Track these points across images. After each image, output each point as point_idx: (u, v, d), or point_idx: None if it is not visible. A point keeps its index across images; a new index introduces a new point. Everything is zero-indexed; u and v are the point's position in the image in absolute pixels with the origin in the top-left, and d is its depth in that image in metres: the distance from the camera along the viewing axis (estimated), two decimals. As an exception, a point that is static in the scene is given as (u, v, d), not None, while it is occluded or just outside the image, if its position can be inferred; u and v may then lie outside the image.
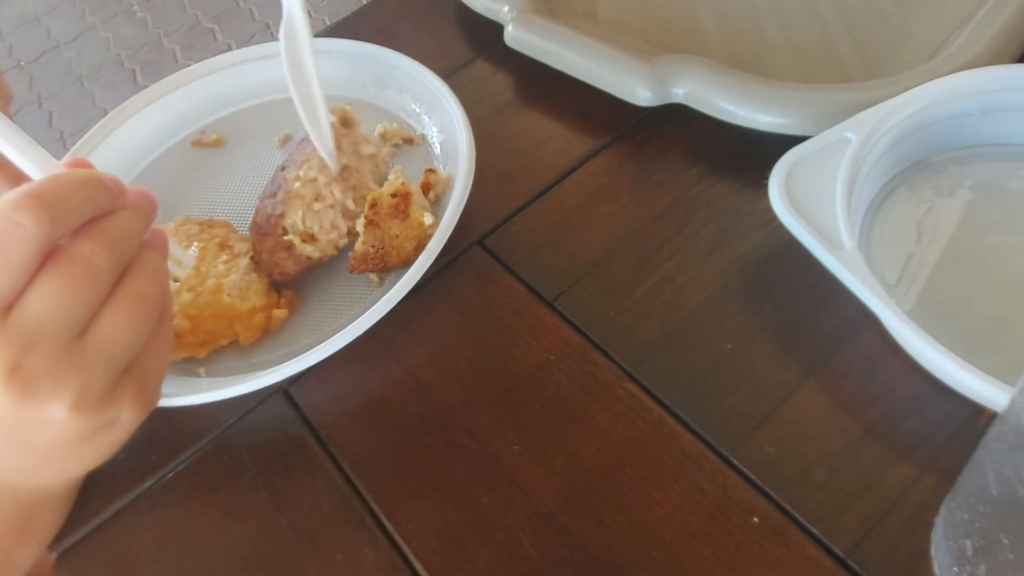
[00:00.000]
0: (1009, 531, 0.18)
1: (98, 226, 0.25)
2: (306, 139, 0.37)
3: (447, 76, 0.41)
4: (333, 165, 0.36)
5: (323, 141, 0.36)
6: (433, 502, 0.30)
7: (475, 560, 0.28)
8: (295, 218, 0.35)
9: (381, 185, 0.36)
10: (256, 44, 0.46)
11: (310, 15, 0.38)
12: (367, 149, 0.39)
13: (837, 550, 0.26)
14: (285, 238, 0.35)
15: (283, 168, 0.37)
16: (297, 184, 0.35)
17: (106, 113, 0.44)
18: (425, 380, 0.33)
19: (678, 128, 0.39)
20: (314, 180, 0.35)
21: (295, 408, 0.33)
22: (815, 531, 0.27)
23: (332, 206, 0.36)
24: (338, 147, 0.37)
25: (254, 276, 0.36)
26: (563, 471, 0.29)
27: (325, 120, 0.36)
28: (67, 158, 0.33)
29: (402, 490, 0.30)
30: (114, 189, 0.27)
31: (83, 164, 0.29)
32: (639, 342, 0.32)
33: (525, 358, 0.33)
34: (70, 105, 1.81)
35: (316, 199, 0.35)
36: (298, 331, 0.35)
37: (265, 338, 0.35)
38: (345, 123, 0.38)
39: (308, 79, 0.36)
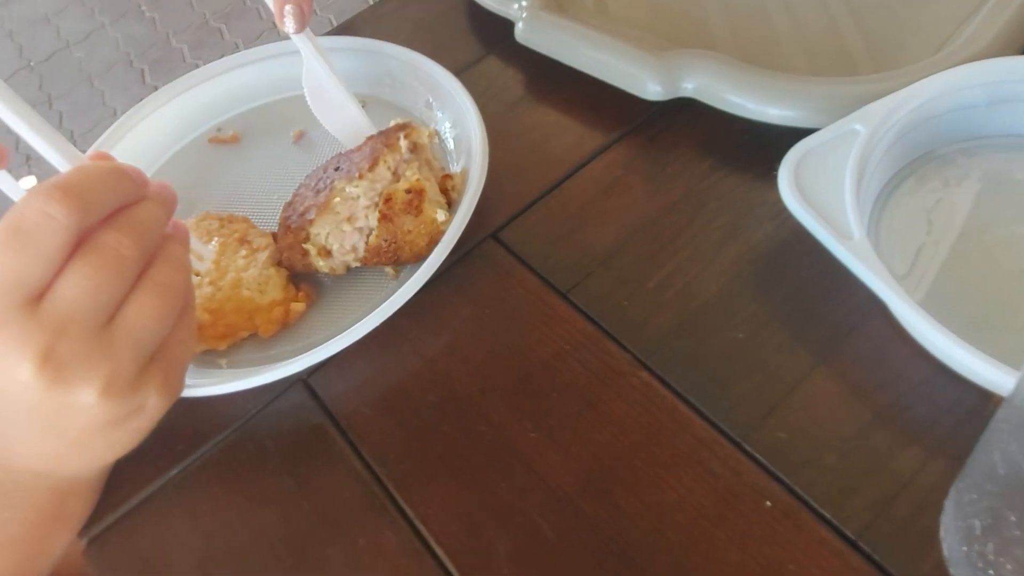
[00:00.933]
0: (1015, 508, 0.19)
1: (124, 216, 0.26)
2: (371, 144, 0.37)
3: (459, 72, 0.42)
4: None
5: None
6: (452, 488, 0.30)
7: (494, 544, 0.29)
8: (321, 231, 0.36)
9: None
10: (263, 43, 0.47)
11: (316, 12, 0.39)
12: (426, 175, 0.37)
13: (848, 532, 0.27)
14: (304, 245, 0.36)
15: (337, 168, 0.37)
16: (337, 200, 0.36)
17: (116, 113, 0.45)
18: (442, 370, 0.34)
19: (689, 121, 0.40)
20: (356, 199, 0.36)
21: (315, 398, 0.34)
22: (826, 514, 0.27)
23: (360, 230, 0.36)
24: (397, 174, 0.36)
25: (273, 270, 0.37)
26: (579, 457, 0.30)
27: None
28: (91, 152, 0.34)
29: (421, 476, 0.31)
30: (138, 179, 0.27)
31: (105, 158, 0.30)
32: (652, 332, 0.33)
33: (540, 348, 0.34)
34: (80, 105, 1.83)
35: (348, 219, 0.35)
36: (316, 323, 0.36)
37: (284, 331, 0.36)
38: (414, 148, 0.38)
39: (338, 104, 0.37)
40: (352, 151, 0.38)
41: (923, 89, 0.34)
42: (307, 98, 0.40)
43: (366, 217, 0.35)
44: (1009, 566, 0.20)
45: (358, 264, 0.37)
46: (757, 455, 0.29)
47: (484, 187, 0.36)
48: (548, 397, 0.32)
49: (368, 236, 0.35)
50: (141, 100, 0.46)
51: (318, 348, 0.32)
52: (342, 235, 0.35)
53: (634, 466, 0.29)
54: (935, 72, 0.34)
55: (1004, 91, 0.34)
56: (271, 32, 1.86)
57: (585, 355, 0.33)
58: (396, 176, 0.36)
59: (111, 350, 0.25)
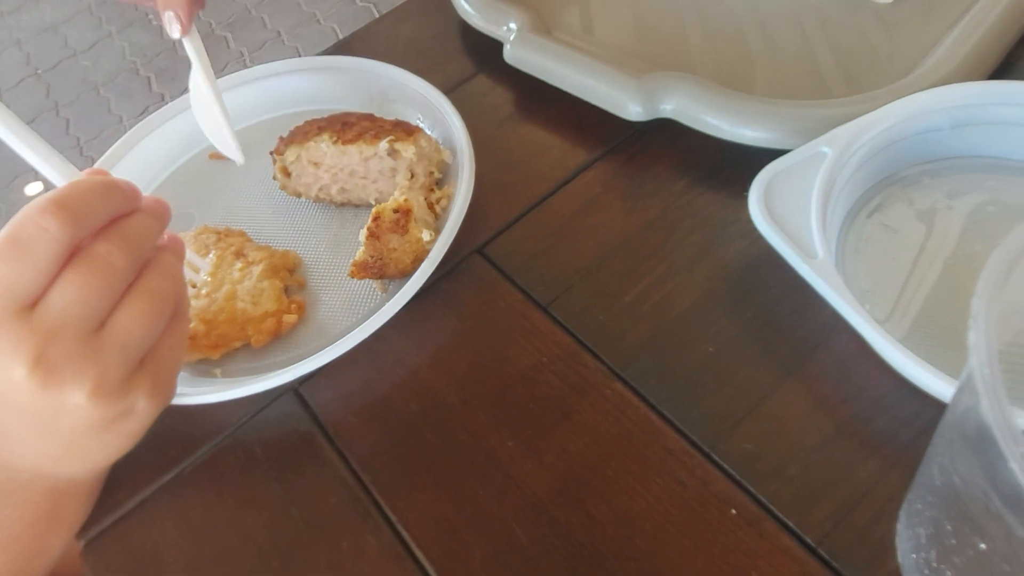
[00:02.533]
0: (950, 518, 0.20)
1: (116, 228, 0.28)
2: (391, 124, 0.41)
3: (449, 90, 0.43)
4: (239, 159, 0.41)
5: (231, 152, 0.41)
6: (432, 494, 0.32)
7: (471, 548, 0.30)
8: (290, 155, 0.41)
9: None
10: (267, 51, 0.49)
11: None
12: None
13: (809, 540, 0.28)
14: (276, 155, 0.42)
15: (345, 124, 0.42)
16: (311, 143, 0.41)
17: (122, 120, 0.47)
18: (426, 380, 0.35)
19: (667, 142, 0.41)
20: (325, 152, 0.41)
21: (305, 407, 0.36)
22: (789, 522, 0.28)
23: (319, 176, 0.42)
24: (379, 158, 0.40)
25: (267, 283, 0.38)
26: (554, 466, 0.31)
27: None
28: (89, 169, 0.35)
29: (404, 483, 0.32)
30: (130, 193, 0.29)
31: (101, 174, 0.32)
32: (627, 345, 0.34)
33: (520, 360, 0.35)
34: (87, 112, 1.85)
35: (314, 164, 0.41)
36: (307, 335, 0.38)
37: (276, 341, 0.38)
38: (420, 155, 0.40)
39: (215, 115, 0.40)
40: (380, 119, 0.42)
41: (889, 113, 0.35)
42: (191, 99, 0.42)
43: (328, 172, 0.41)
44: (949, 573, 0.22)
45: (317, 198, 0.42)
46: (724, 465, 0.30)
47: (470, 202, 0.38)
48: (526, 407, 0.33)
49: (319, 189, 0.41)
50: (146, 107, 0.48)
51: (308, 359, 0.34)
52: (301, 168, 0.41)
53: (606, 475, 0.31)
54: (901, 96, 0.36)
55: (966, 115, 0.36)
56: (275, 41, 1.89)
57: (562, 367, 0.34)
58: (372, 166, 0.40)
59: (100, 354, 0.27)
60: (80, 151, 1.75)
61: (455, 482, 0.32)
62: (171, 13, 0.38)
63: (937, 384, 0.28)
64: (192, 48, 0.40)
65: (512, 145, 0.44)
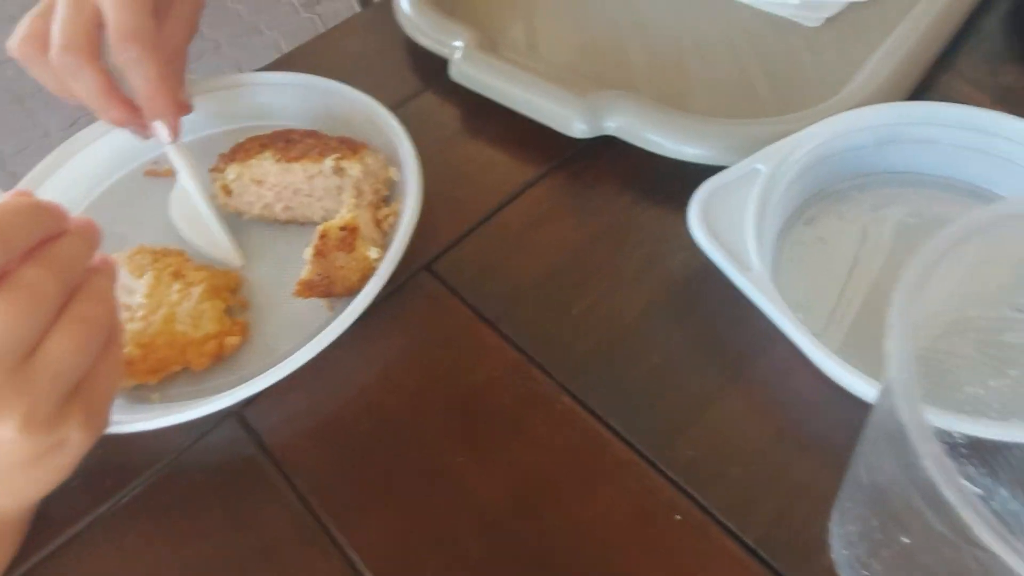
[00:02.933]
0: (876, 514, 0.21)
1: (44, 252, 0.27)
2: (335, 142, 0.41)
3: (396, 107, 0.43)
4: (238, 261, 0.41)
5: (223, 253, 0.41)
6: (383, 514, 0.31)
7: (425, 566, 0.30)
8: (231, 173, 0.40)
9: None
10: (205, 63, 0.48)
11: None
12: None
13: (748, 541, 0.29)
14: (214, 172, 0.41)
15: (289, 141, 0.41)
16: (254, 160, 0.40)
17: (48, 134, 0.45)
18: (375, 398, 0.35)
19: (612, 158, 0.43)
20: (268, 170, 0.40)
21: (248, 430, 0.35)
22: (730, 525, 0.29)
23: (263, 194, 0.41)
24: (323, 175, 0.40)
25: (207, 304, 0.37)
26: (505, 479, 0.32)
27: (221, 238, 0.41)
28: (13, 191, 0.34)
29: (353, 505, 0.32)
30: (57, 214, 0.28)
31: (25, 195, 0.30)
32: (575, 357, 0.35)
33: (470, 375, 0.35)
34: (10, 125, 1.76)
35: (257, 182, 0.41)
36: (251, 356, 0.37)
37: (219, 364, 0.37)
38: (365, 171, 0.39)
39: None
40: (325, 136, 0.41)
41: (818, 131, 0.37)
42: (172, 205, 0.43)
43: (272, 190, 0.40)
44: (878, 567, 0.23)
45: (260, 216, 0.41)
46: (668, 473, 0.31)
47: (418, 219, 0.38)
48: (477, 422, 0.33)
49: (262, 207, 0.41)
50: (75, 120, 0.46)
51: (250, 382, 0.33)
52: (243, 187, 0.41)
53: (557, 486, 0.31)
54: (829, 115, 0.38)
55: (889, 133, 0.38)
56: (213, 54, 1.84)
57: (512, 381, 0.34)
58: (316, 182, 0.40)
59: (29, 385, 0.25)
60: (2, 166, 1.66)
61: (406, 500, 0.32)
62: (159, 123, 0.39)
63: (865, 388, 0.29)
64: (179, 156, 0.40)
65: (459, 162, 0.44)
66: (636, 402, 0.33)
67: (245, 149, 0.41)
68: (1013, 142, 0.36)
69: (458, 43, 0.46)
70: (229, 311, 0.38)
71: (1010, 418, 0.25)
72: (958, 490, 0.15)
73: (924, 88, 0.43)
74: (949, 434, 0.25)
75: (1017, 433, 0.25)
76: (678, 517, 0.30)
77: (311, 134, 0.42)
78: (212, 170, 0.41)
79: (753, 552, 0.28)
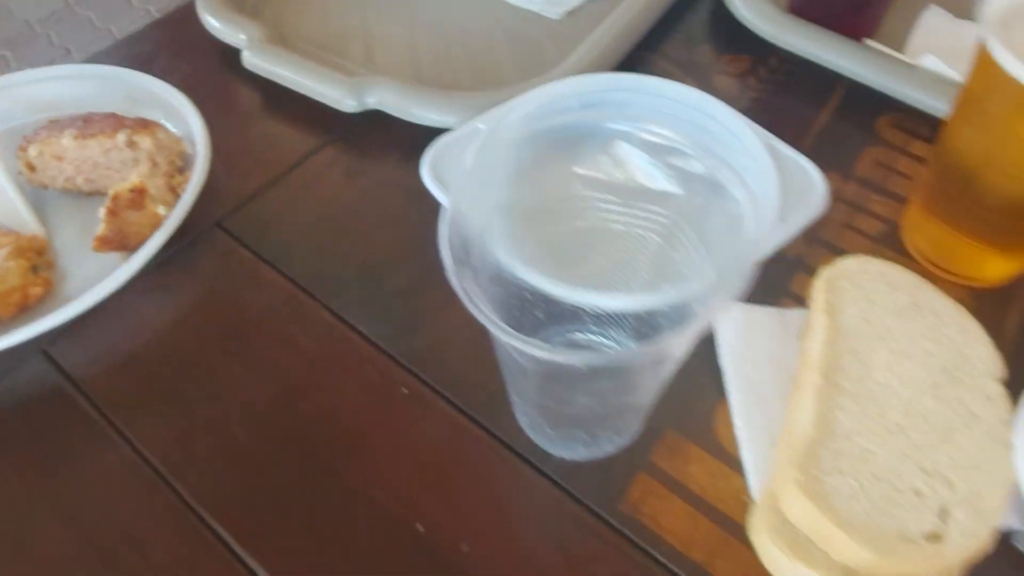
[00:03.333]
0: (514, 389, 0.30)
1: None
2: (129, 122, 0.47)
3: (194, 90, 0.50)
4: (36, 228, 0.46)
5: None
6: (168, 417, 0.38)
7: (199, 450, 0.37)
8: (33, 151, 0.46)
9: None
10: (32, 51, 0.52)
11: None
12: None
13: (464, 407, 0.38)
14: (20, 152, 0.47)
15: (87, 120, 0.47)
16: (55, 139, 0.46)
17: None
18: (169, 333, 0.41)
19: (381, 129, 0.51)
20: (66, 146, 0.46)
21: (55, 366, 0.40)
22: (447, 394, 0.38)
23: (63, 169, 0.47)
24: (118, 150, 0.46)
25: (13, 263, 0.42)
26: (271, 381, 0.39)
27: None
28: None
29: (138, 406, 0.38)
30: None
31: None
32: (337, 284, 0.43)
33: (251, 307, 0.42)
34: None
35: (57, 157, 0.47)
36: (55, 306, 0.42)
37: (24, 314, 0.42)
38: (157, 145, 0.46)
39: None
40: (123, 117, 0.48)
41: (533, 96, 0.47)
42: None
43: (72, 164, 0.46)
44: (526, 419, 0.32)
45: (64, 188, 0.47)
46: (401, 360, 0.39)
47: (211, 184, 0.44)
48: (253, 342, 0.41)
49: (64, 180, 0.47)
50: None
51: (48, 316, 0.39)
52: (45, 162, 0.46)
53: (315, 383, 0.39)
54: (545, 84, 0.48)
55: (591, 98, 0.48)
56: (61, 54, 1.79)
57: (285, 307, 0.42)
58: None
59: None
60: None
61: (189, 404, 0.38)
62: None
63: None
64: None
65: (255, 138, 0.51)
66: (381, 312, 0.41)
67: (47, 130, 0.46)
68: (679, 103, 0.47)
69: (243, 36, 0.53)
70: (35, 269, 0.43)
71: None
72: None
73: (630, 61, 0.54)
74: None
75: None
76: (405, 391, 0.38)
77: (110, 116, 0.47)
78: (19, 150, 0.46)
79: (471, 417, 0.37)
